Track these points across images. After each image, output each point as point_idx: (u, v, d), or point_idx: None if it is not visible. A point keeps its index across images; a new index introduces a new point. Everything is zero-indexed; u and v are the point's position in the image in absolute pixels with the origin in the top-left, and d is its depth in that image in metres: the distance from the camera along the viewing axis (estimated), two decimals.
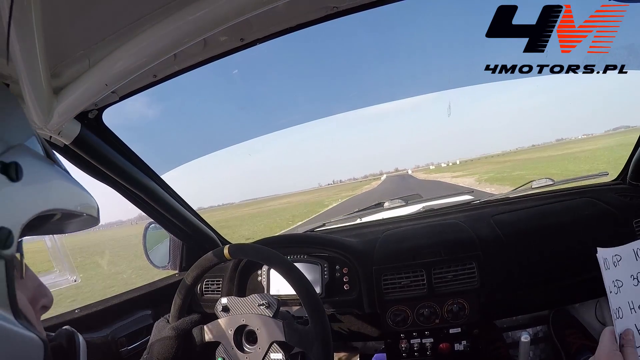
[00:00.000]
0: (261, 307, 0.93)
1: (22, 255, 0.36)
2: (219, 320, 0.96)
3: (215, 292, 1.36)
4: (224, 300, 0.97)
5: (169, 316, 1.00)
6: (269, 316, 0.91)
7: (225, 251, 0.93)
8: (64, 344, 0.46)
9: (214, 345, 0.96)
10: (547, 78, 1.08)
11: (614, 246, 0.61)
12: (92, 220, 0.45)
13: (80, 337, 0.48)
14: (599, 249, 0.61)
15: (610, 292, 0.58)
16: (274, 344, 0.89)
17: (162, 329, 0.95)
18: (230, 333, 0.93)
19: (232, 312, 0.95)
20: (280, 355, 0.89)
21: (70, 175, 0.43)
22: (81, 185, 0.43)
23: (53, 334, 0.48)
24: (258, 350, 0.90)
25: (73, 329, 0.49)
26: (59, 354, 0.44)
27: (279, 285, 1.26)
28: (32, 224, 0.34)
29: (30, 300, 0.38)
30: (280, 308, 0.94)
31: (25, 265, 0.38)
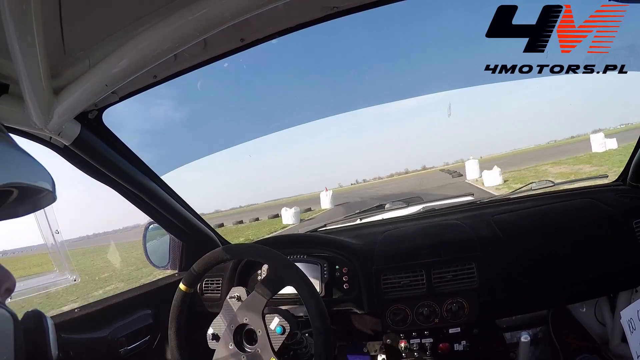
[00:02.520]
0: (232, 299, 0.98)
1: None
2: (215, 352, 0.98)
3: (215, 292, 1.36)
4: (210, 330, 1.00)
5: None
6: (242, 300, 0.96)
7: (183, 287, 1.00)
8: (32, 326, 0.45)
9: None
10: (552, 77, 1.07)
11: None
12: (49, 197, 0.44)
13: (49, 318, 0.47)
14: (622, 312, 0.58)
15: (638, 356, 0.55)
16: (267, 316, 0.92)
17: None
18: (232, 349, 0.94)
19: (221, 334, 0.98)
20: (277, 320, 0.92)
21: (23, 149, 0.41)
22: (35, 159, 0.42)
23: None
24: (257, 351, 0.91)
25: (40, 311, 0.48)
26: (28, 337, 0.43)
27: None
28: None
29: None
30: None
31: None
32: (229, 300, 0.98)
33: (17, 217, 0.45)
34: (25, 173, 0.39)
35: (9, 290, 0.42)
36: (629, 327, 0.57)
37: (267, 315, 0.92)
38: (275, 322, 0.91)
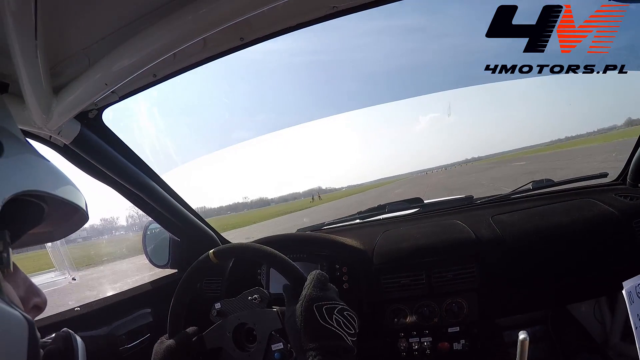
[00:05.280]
0: (253, 301, 0.92)
1: (7, 248, 0.34)
2: (216, 325, 0.95)
3: (215, 292, 1.36)
4: (217, 305, 0.96)
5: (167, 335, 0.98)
6: (262, 308, 0.91)
7: (211, 255, 0.90)
8: (61, 347, 0.44)
9: (217, 352, 0.95)
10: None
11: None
12: (82, 216, 0.42)
13: (78, 338, 0.47)
14: (624, 282, 0.59)
15: (637, 327, 0.55)
16: (273, 333, 0.88)
17: (161, 348, 0.93)
18: (229, 335, 0.93)
19: (227, 314, 0.95)
20: (280, 345, 0.88)
21: (52, 163, 0.40)
22: (66, 175, 0.40)
23: (49, 340, 0.46)
24: (259, 345, 0.90)
25: (69, 331, 0.47)
26: (57, 358, 0.43)
27: (279, 283, 1.27)
28: (25, 231, 0.33)
29: (22, 298, 0.38)
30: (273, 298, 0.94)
31: (14, 263, 0.37)
32: (249, 298, 0.93)
33: (52, 240, 0.44)
34: (52, 184, 0.37)
35: (38, 308, 0.40)
36: (629, 298, 0.58)
37: (274, 334, 0.88)
38: (278, 346, 0.87)
